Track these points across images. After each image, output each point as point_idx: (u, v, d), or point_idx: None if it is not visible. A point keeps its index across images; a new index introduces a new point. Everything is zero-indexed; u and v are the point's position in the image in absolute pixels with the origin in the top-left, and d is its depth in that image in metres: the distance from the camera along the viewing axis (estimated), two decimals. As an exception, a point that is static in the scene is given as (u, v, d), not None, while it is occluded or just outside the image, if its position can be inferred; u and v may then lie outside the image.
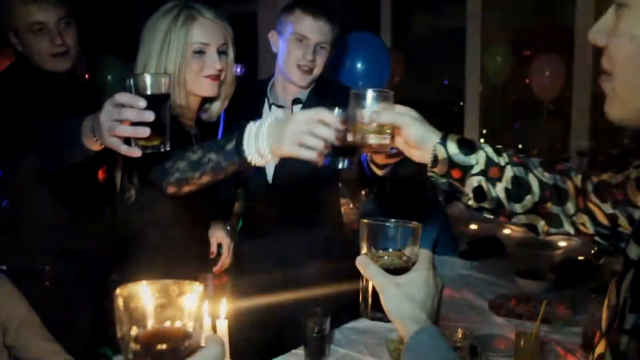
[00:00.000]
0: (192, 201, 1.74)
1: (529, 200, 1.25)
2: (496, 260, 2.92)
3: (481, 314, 2.23)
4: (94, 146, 1.50)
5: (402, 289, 1.01)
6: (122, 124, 1.35)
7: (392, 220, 1.10)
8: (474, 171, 1.25)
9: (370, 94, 1.33)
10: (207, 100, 1.98)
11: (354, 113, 1.33)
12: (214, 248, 2.25)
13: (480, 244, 3.11)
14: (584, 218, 1.24)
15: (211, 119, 2.03)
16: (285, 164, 1.66)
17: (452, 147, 1.25)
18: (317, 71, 2.23)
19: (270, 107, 2.30)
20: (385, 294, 1.01)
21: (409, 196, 3.18)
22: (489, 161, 1.25)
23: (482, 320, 2.17)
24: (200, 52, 1.85)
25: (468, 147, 1.26)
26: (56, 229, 2.26)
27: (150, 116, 1.34)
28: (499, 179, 1.25)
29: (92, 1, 2.30)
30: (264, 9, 5.64)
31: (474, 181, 1.25)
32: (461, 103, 5.14)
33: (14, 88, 2.19)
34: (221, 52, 1.88)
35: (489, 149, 1.27)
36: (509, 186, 1.25)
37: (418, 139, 1.28)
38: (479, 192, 1.26)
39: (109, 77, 3.99)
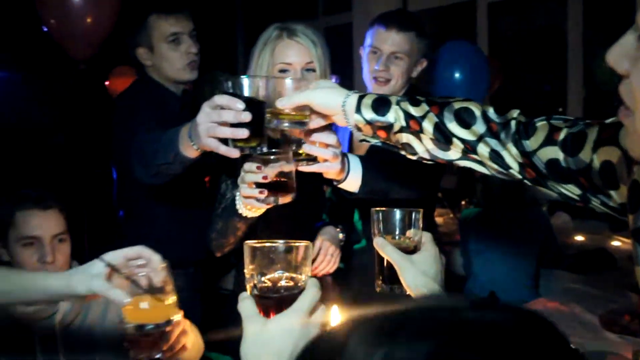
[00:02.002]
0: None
1: (456, 146, 1.23)
2: (606, 274, 2.81)
3: (591, 330, 2.15)
4: (191, 152, 1.54)
5: (417, 265, 1.19)
6: (220, 125, 1.38)
7: (399, 209, 1.27)
8: (395, 129, 1.27)
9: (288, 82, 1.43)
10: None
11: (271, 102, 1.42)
12: (314, 251, 2.26)
13: (589, 257, 3.00)
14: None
15: None
16: (371, 178, 1.67)
17: (368, 112, 1.29)
18: (394, 82, 2.26)
19: None
20: (403, 270, 1.18)
21: (510, 207, 3.12)
22: (407, 115, 1.26)
23: (592, 336, 2.09)
24: (283, 72, 1.89)
25: (382, 105, 1.29)
26: (169, 238, 2.36)
27: (247, 117, 1.36)
28: (421, 131, 1.25)
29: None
30: (359, 20, 5.70)
31: (401, 138, 1.28)
32: (560, 109, 4.96)
33: (136, 103, 2.35)
34: (307, 70, 1.91)
35: (404, 102, 1.28)
36: (433, 136, 1.24)
37: (327, 108, 1.35)
38: (409, 147, 1.29)
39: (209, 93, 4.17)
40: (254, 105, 1.40)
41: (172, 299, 1.27)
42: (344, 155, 1.63)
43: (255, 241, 1.01)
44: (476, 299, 0.53)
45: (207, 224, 1.87)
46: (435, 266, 1.20)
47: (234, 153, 1.42)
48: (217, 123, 1.38)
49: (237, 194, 1.63)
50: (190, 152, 1.55)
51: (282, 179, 1.51)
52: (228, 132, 1.38)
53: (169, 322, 1.26)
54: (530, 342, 0.49)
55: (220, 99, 1.38)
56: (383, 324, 0.52)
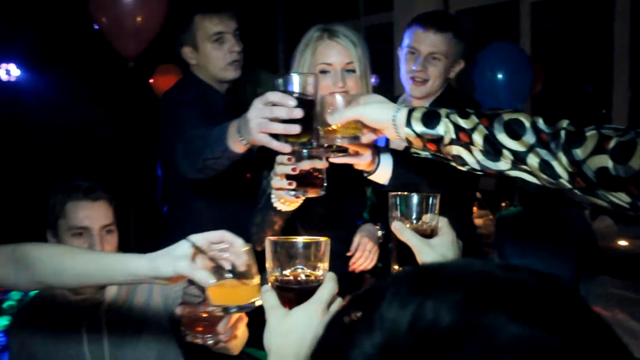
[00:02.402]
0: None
1: (506, 157, 1.25)
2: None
3: (635, 337, 2.13)
4: (239, 147, 1.58)
5: (436, 249, 1.20)
6: (272, 121, 1.41)
7: (416, 193, 1.31)
8: (445, 142, 1.29)
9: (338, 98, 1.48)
10: None
11: (323, 118, 1.47)
12: (353, 247, 2.27)
13: (632, 262, 2.95)
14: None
15: None
16: (401, 172, 1.70)
17: (418, 126, 1.31)
18: (432, 82, 2.30)
19: None
20: (422, 254, 1.19)
21: (547, 208, 3.08)
22: (456, 128, 1.28)
23: (635, 342, 2.07)
24: (324, 72, 1.93)
25: (432, 118, 1.31)
26: None
27: (299, 114, 1.39)
28: (471, 143, 1.26)
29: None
30: (399, 20, 5.70)
31: (451, 150, 1.29)
32: (603, 110, 4.86)
33: (182, 100, 2.40)
34: (347, 71, 1.94)
35: (454, 115, 1.29)
36: (483, 148, 1.26)
37: (377, 122, 1.38)
38: (460, 158, 1.30)
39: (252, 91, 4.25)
40: (304, 101, 1.43)
41: (255, 281, 1.27)
42: (375, 147, 1.66)
43: (277, 237, 1.09)
44: (504, 263, 0.56)
45: (249, 219, 1.91)
46: (453, 250, 1.23)
47: (286, 148, 1.45)
48: (269, 119, 1.41)
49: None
50: (238, 147, 1.58)
51: (312, 173, 1.55)
52: (280, 128, 1.41)
53: (251, 304, 1.27)
54: (554, 302, 0.51)
55: (272, 96, 1.41)
56: (417, 278, 0.55)
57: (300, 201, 1.67)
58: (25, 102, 9.06)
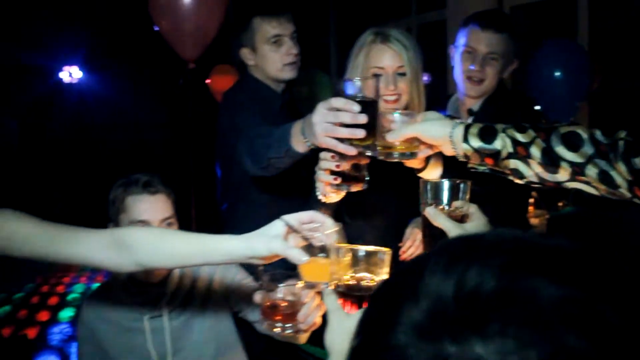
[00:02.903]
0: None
1: (564, 169, 1.25)
2: None
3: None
4: (302, 148, 1.64)
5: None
6: (336, 125, 1.46)
7: (447, 179, 1.34)
8: (503, 156, 1.30)
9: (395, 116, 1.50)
10: None
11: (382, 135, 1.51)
12: (405, 238, 2.28)
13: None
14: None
15: None
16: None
17: (475, 141, 1.33)
18: (488, 82, 2.29)
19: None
20: None
21: (602, 208, 3.02)
22: (514, 142, 1.29)
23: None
24: (376, 75, 1.96)
25: (489, 134, 1.32)
26: None
27: (363, 119, 1.43)
28: (529, 156, 1.28)
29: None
30: (452, 18, 5.66)
31: (509, 164, 1.31)
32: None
33: (242, 100, 2.47)
34: (399, 74, 1.98)
35: (510, 130, 1.30)
36: (541, 160, 1.27)
37: (435, 139, 1.41)
38: (517, 172, 1.31)
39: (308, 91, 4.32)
40: (367, 106, 1.48)
41: (346, 260, 1.28)
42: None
43: (342, 244, 1.18)
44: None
45: None
46: None
47: (351, 151, 1.49)
48: (334, 124, 1.46)
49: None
50: (301, 148, 1.64)
51: (354, 170, 1.58)
52: (346, 132, 1.46)
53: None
54: (592, 264, 0.53)
55: (336, 102, 1.46)
56: (457, 248, 0.58)
57: (342, 194, 1.71)
58: (87, 103, 9.42)
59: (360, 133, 1.45)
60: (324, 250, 1.33)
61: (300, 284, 1.37)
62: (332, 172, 1.59)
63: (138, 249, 1.46)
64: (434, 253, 0.58)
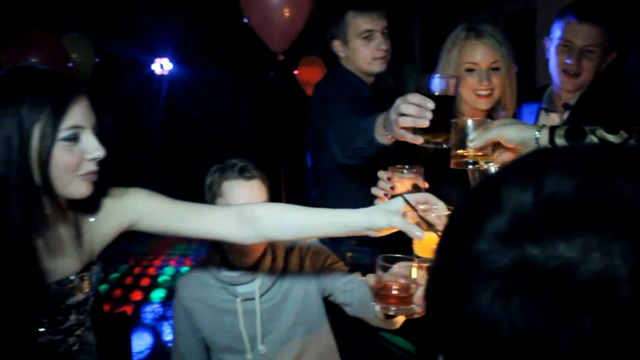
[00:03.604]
0: None
1: None
2: None
3: None
4: (385, 139, 1.72)
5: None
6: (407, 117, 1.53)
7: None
8: None
9: (469, 123, 1.57)
10: (487, 114, 2.12)
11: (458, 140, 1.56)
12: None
13: None
14: None
15: None
16: None
17: (561, 142, 1.32)
18: (585, 76, 2.23)
19: (543, 112, 2.38)
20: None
21: None
22: (604, 143, 1.25)
23: None
24: (470, 71, 2.01)
25: (577, 136, 1.31)
26: None
27: (430, 115, 1.49)
28: None
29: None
30: (543, 6, 5.48)
31: None
32: None
33: (333, 91, 2.55)
34: (492, 69, 2.01)
35: (600, 131, 1.27)
36: None
37: (519, 142, 1.44)
38: None
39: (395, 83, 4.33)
40: (443, 102, 1.52)
41: None
42: None
43: None
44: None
45: None
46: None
47: (418, 140, 1.56)
48: (405, 115, 1.52)
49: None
50: (384, 139, 1.72)
51: (412, 191, 1.63)
52: (409, 121, 1.52)
53: None
54: None
55: (412, 97, 1.52)
56: (533, 158, 0.60)
57: None
58: (178, 93, 9.79)
59: (424, 122, 1.50)
60: (434, 230, 1.39)
61: (414, 265, 1.42)
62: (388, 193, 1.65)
63: (263, 223, 1.59)
64: (511, 166, 0.60)
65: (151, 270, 6.41)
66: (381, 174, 1.67)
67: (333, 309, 2.16)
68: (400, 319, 1.65)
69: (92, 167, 1.44)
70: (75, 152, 1.41)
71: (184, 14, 8.26)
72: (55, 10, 6.45)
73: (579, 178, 0.53)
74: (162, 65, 9.86)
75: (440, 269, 0.62)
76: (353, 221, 1.50)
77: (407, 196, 1.45)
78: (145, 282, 6.07)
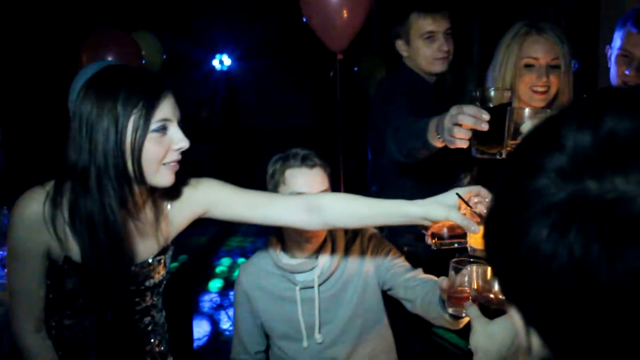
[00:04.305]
0: None
1: None
2: None
3: None
4: (437, 143, 1.76)
5: None
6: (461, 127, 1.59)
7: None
8: None
9: (526, 112, 1.57)
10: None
11: (510, 129, 1.55)
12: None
13: None
14: None
15: None
16: None
17: None
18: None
19: None
20: None
21: None
22: None
23: None
24: (529, 66, 2.03)
25: None
26: None
27: (485, 127, 1.54)
28: None
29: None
30: (606, 1, 5.34)
31: None
32: None
33: (393, 90, 2.61)
34: (552, 67, 2.02)
35: None
36: None
37: None
38: None
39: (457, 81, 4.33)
40: (498, 114, 1.56)
41: None
42: None
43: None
44: None
45: None
46: None
47: (462, 144, 1.63)
48: (459, 125, 1.58)
49: None
50: (436, 142, 1.77)
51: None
52: (463, 133, 1.59)
53: None
54: None
55: (468, 109, 1.56)
56: (589, 101, 0.62)
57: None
58: (236, 89, 10.01)
59: (485, 126, 1.55)
60: None
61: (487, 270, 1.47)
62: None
63: (328, 211, 1.68)
64: (571, 106, 0.63)
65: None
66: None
67: (390, 302, 2.20)
68: (465, 319, 1.67)
69: (176, 156, 1.57)
70: (163, 142, 1.53)
71: (245, 12, 8.42)
72: (123, 9, 6.71)
73: (636, 116, 0.56)
74: (222, 61, 10.08)
75: (498, 206, 0.64)
76: (411, 212, 1.58)
77: (461, 190, 1.52)
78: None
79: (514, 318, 0.67)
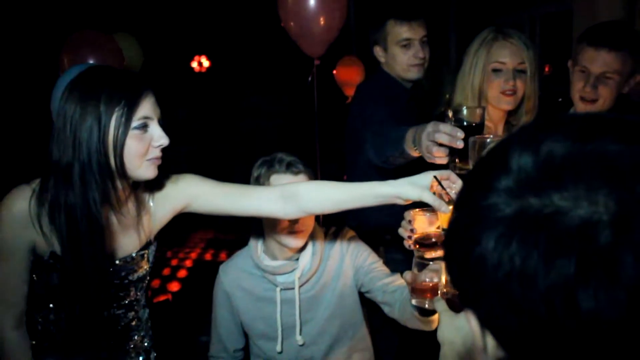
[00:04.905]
0: None
1: None
2: None
3: None
4: (413, 152, 1.82)
5: None
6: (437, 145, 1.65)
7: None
8: None
9: (488, 141, 1.58)
10: (510, 114, 2.21)
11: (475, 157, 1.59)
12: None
13: None
14: None
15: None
16: None
17: None
18: (602, 102, 2.18)
19: None
20: None
21: None
22: None
23: None
24: (497, 71, 2.10)
25: None
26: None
27: (460, 145, 1.60)
28: None
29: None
30: (580, 8, 5.49)
31: None
32: None
33: (371, 95, 2.67)
34: (519, 71, 2.09)
35: None
36: None
37: None
38: None
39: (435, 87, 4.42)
40: (471, 131, 1.62)
41: None
42: None
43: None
44: None
45: None
46: None
47: (441, 161, 1.68)
48: (435, 143, 1.64)
49: None
50: (413, 152, 1.82)
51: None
52: (440, 151, 1.65)
53: None
54: None
55: (444, 127, 1.62)
56: (532, 127, 0.68)
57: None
58: (215, 90, 10.01)
59: (460, 144, 1.60)
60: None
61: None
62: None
63: (304, 198, 1.73)
64: (516, 133, 0.70)
65: (188, 263, 6.60)
66: (406, 214, 1.75)
67: (366, 301, 2.24)
68: (436, 321, 1.74)
69: (157, 153, 1.63)
70: (144, 139, 1.59)
71: (224, 15, 8.44)
72: (103, 11, 6.69)
73: (571, 140, 0.62)
74: (200, 63, 10.08)
75: (456, 219, 0.71)
76: (385, 192, 1.65)
77: (436, 173, 1.60)
78: (182, 273, 6.25)
79: (470, 320, 0.74)
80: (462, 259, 0.68)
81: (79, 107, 1.53)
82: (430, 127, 1.65)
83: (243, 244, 2.30)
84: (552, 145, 0.63)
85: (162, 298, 5.15)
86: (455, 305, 1.28)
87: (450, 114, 1.67)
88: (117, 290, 1.77)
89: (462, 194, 0.73)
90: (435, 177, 1.59)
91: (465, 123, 1.65)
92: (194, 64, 10.14)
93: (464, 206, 0.70)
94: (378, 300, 2.11)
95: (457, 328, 1.19)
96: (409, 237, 1.70)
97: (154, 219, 1.79)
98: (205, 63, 10.15)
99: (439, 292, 1.44)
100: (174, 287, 5.80)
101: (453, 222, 0.72)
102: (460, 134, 1.59)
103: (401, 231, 1.74)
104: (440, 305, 1.27)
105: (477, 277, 0.66)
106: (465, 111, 1.68)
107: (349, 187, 1.73)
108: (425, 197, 1.56)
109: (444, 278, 1.42)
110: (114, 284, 1.75)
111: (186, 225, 1.85)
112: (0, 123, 6.08)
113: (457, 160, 1.65)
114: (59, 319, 1.72)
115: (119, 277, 1.75)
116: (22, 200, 1.61)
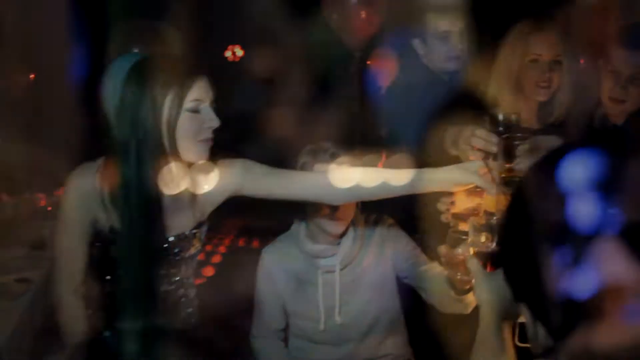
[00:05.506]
0: None
1: None
2: None
3: None
4: (452, 152, 1.88)
5: None
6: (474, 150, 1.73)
7: None
8: None
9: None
10: (545, 105, 2.23)
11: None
12: None
13: None
14: None
15: (555, 123, 2.25)
16: None
17: None
18: (630, 103, 2.14)
19: None
20: None
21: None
22: None
23: None
24: (533, 62, 2.14)
25: None
26: None
27: (494, 148, 1.68)
28: None
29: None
30: None
31: None
32: None
33: (407, 84, 2.75)
34: (555, 62, 2.13)
35: None
36: None
37: None
38: None
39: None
40: (509, 139, 1.70)
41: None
42: None
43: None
44: None
45: None
46: None
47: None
48: (471, 147, 1.73)
49: None
50: (451, 151, 1.89)
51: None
52: (477, 155, 1.73)
53: None
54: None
55: (480, 132, 1.70)
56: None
57: None
58: (248, 80, 10.07)
59: (492, 149, 1.69)
60: (500, 190, 1.64)
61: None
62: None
63: (355, 184, 1.79)
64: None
65: (221, 249, 6.72)
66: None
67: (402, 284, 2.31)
68: (472, 304, 1.80)
69: (209, 134, 1.74)
70: (196, 120, 1.71)
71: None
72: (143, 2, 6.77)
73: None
74: (234, 52, 10.13)
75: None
76: (436, 177, 1.74)
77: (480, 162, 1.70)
78: (216, 259, 6.38)
79: (523, 313, 0.83)
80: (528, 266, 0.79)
81: (138, 90, 1.66)
82: (467, 131, 1.73)
83: (275, 231, 2.39)
84: None
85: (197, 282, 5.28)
86: (488, 265, 1.32)
87: (487, 119, 1.74)
88: (169, 267, 1.87)
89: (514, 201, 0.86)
90: (485, 161, 1.69)
91: (500, 128, 1.72)
92: (228, 54, 10.21)
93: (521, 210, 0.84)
94: (416, 285, 2.19)
95: (493, 287, 1.21)
96: (447, 210, 1.78)
97: (207, 200, 1.88)
98: (239, 52, 10.20)
99: (470, 249, 1.47)
100: (209, 272, 5.93)
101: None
102: (495, 139, 1.67)
103: (440, 205, 1.82)
104: (474, 264, 1.30)
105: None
106: (500, 116, 1.75)
107: (402, 172, 1.80)
108: (476, 180, 1.66)
109: (471, 238, 1.47)
110: (167, 259, 1.85)
111: (219, 212, 1.93)
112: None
113: (491, 163, 1.73)
114: (114, 291, 1.84)
115: (172, 253, 1.86)
116: (87, 177, 1.76)
